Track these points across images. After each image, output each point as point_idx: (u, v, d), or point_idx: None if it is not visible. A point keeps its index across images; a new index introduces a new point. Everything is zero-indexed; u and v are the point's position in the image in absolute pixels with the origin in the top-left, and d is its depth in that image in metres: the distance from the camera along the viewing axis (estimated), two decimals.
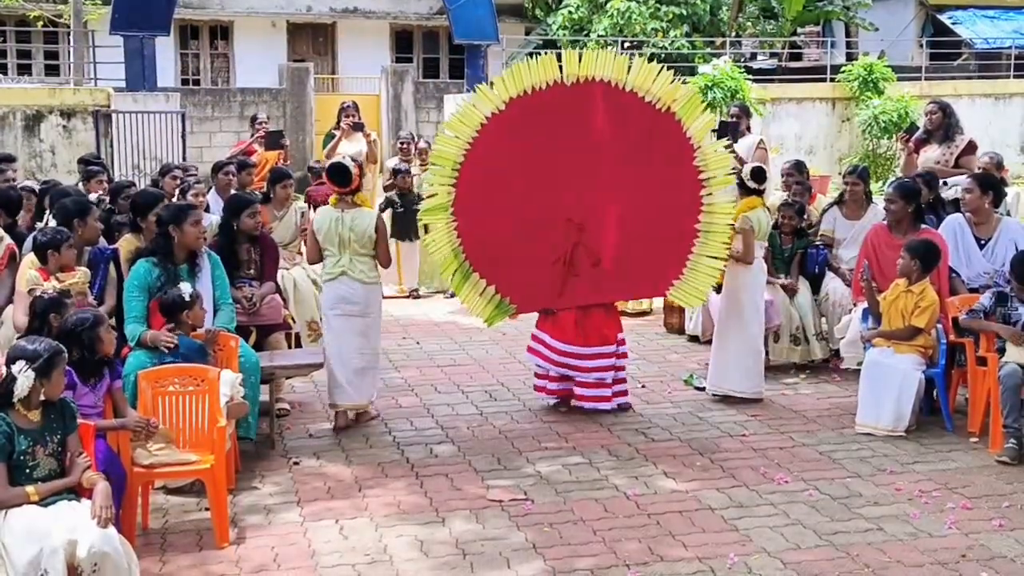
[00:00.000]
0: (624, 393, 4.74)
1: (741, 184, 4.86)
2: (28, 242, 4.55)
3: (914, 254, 4.37)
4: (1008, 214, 5.48)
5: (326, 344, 4.57)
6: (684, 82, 14.09)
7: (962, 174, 5.62)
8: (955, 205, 5.28)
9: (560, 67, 4.53)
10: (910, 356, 4.34)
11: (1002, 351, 4.15)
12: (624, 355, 4.72)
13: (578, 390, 4.66)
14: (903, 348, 4.37)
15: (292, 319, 5.02)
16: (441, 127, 13.08)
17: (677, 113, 4.56)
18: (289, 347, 4.89)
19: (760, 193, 4.91)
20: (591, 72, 4.52)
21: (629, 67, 4.53)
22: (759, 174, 4.88)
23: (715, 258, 4.58)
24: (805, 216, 5.69)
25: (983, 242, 4.78)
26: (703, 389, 5.07)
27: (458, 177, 4.60)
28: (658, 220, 4.58)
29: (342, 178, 4.42)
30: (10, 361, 2.83)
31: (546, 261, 4.58)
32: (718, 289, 4.88)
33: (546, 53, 4.69)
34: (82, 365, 3.30)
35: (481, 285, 4.66)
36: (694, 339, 6.11)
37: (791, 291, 5.39)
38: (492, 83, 4.65)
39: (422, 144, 7.91)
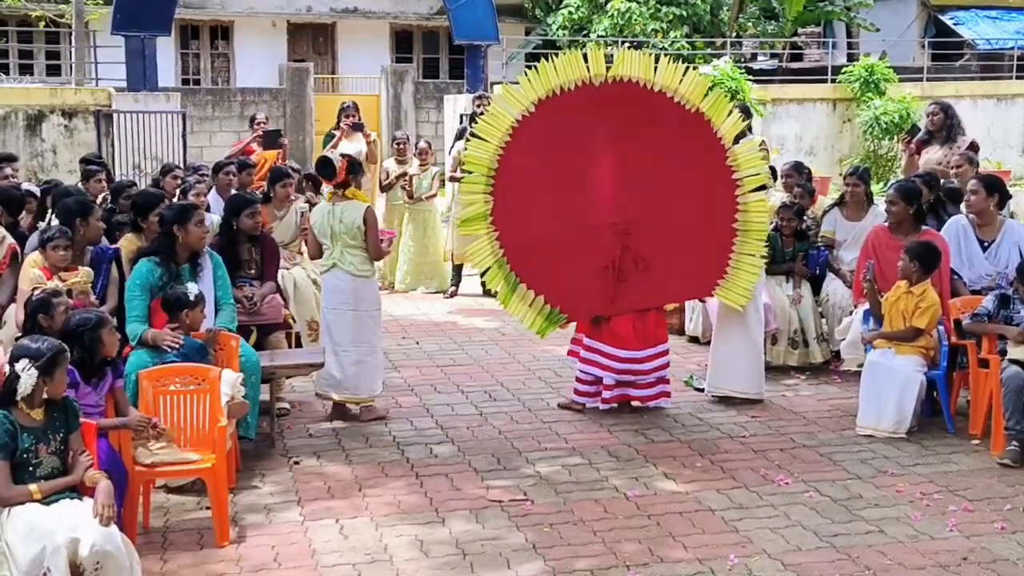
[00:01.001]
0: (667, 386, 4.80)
1: None
2: (30, 241, 4.55)
3: (914, 256, 4.37)
4: (1012, 216, 5.47)
5: (322, 337, 4.60)
6: None
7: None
8: (952, 197, 5.27)
9: (588, 67, 4.48)
10: (911, 358, 4.34)
11: (1004, 353, 4.15)
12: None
13: (637, 392, 4.65)
14: (904, 349, 4.36)
15: (292, 319, 5.03)
16: (450, 130, 13.07)
17: (706, 113, 4.54)
18: (289, 347, 4.89)
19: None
20: (619, 72, 4.48)
21: (656, 67, 4.50)
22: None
23: (755, 255, 4.62)
24: (805, 218, 5.68)
25: (986, 244, 4.76)
26: (703, 390, 5.07)
27: (494, 184, 4.49)
28: (698, 221, 4.58)
29: (327, 170, 4.47)
30: (13, 359, 2.84)
31: (592, 268, 4.52)
32: None
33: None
34: (84, 365, 3.30)
35: (529, 296, 4.56)
36: (694, 340, 6.11)
37: (797, 300, 5.40)
38: (518, 82, 4.56)
39: (422, 144, 7.90)
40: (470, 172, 4.59)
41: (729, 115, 4.58)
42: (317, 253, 4.65)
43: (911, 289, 4.38)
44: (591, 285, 4.55)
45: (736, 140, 4.71)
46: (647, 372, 4.62)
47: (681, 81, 4.51)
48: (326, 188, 4.76)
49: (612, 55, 4.60)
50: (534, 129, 4.49)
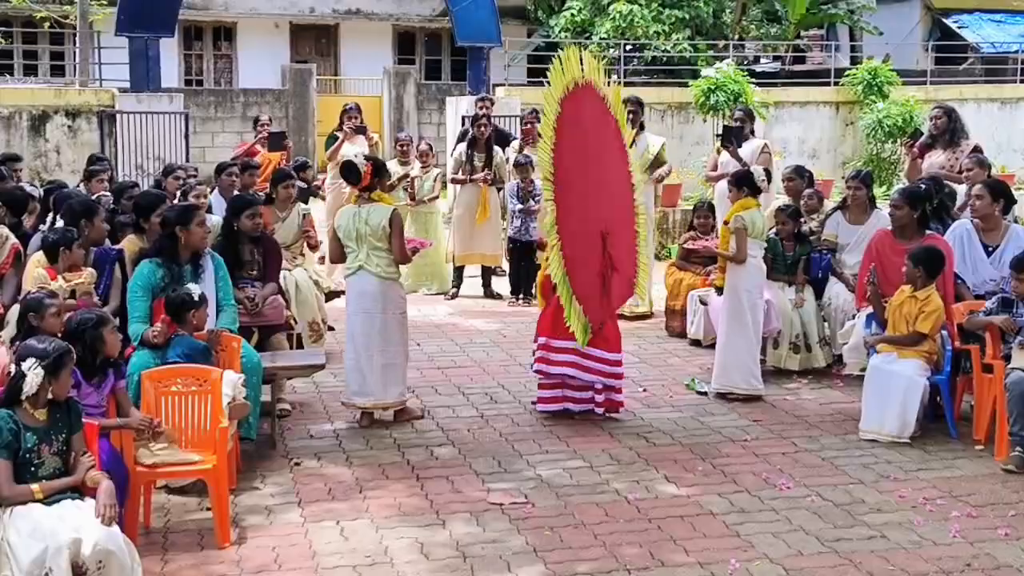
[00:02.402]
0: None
1: (740, 185, 4.92)
2: (33, 242, 4.56)
3: (918, 261, 4.36)
4: (1016, 221, 5.46)
5: (345, 345, 4.56)
6: (687, 85, 14.02)
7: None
8: (954, 199, 5.26)
9: (581, 67, 4.47)
10: (914, 362, 4.33)
11: (1008, 358, 4.13)
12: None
13: (619, 396, 4.64)
14: (907, 354, 4.35)
15: (294, 320, 5.02)
16: (452, 131, 13.04)
17: (616, 114, 4.59)
18: (291, 348, 4.88)
19: (756, 194, 4.96)
20: (578, 75, 4.46)
21: (596, 68, 4.51)
22: (747, 177, 5.01)
23: (644, 256, 4.83)
24: (804, 220, 5.67)
25: (991, 250, 4.74)
26: (705, 393, 5.06)
27: (554, 187, 4.36)
28: (625, 223, 4.70)
29: (352, 176, 4.45)
30: (20, 359, 2.85)
31: (595, 274, 4.52)
32: (719, 290, 4.88)
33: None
34: (85, 364, 3.30)
35: (578, 308, 4.44)
36: (696, 343, 6.09)
37: (799, 304, 5.40)
38: (548, 80, 4.46)
39: (423, 146, 7.89)
40: (545, 179, 4.46)
41: (622, 112, 4.65)
42: (336, 257, 4.61)
43: (915, 294, 4.37)
44: (596, 291, 4.56)
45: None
46: (622, 376, 4.64)
47: (600, 78, 4.54)
48: (349, 190, 4.76)
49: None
50: (563, 130, 4.41)
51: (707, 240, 6.17)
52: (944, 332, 4.44)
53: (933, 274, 4.37)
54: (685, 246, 6.45)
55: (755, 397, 4.89)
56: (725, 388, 4.89)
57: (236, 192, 5.77)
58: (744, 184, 4.94)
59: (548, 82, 4.48)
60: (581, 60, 4.50)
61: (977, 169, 5.37)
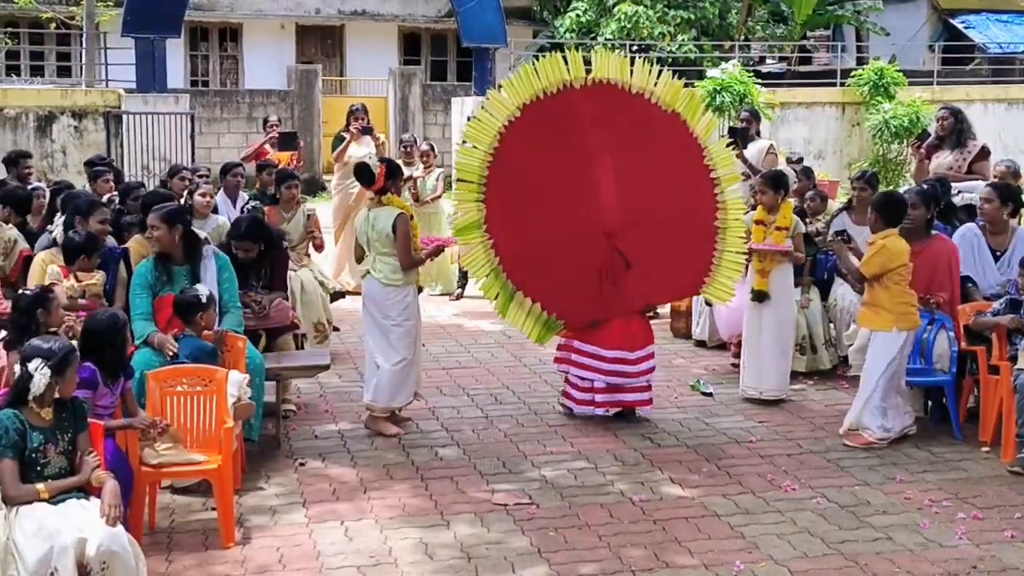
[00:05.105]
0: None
1: (778, 187, 4.96)
2: (41, 241, 4.58)
3: (874, 207, 4.34)
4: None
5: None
6: (691, 86, 14.03)
7: (975, 180, 5.57)
8: (966, 211, 5.22)
9: (568, 69, 4.48)
10: (881, 337, 4.19)
11: (1015, 359, 4.11)
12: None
13: (632, 396, 4.59)
14: (877, 323, 4.21)
15: (298, 319, 5.02)
16: (457, 132, 13.08)
17: (682, 114, 4.57)
18: (297, 347, 4.89)
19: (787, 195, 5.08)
20: (597, 75, 4.49)
21: (631, 69, 4.52)
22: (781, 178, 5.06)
23: (736, 252, 4.67)
24: (808, 220, 5.66)
25: (998, 254, 4.70)
26: (710, 395, 5.05)
27: (486, 191, 4.45)
28: (681, 220, 4.61)
29: (365, 177, 4.41)
30: (26, 359, 2.85)
31: (586, 273, 4.51)
32: (761, 295, 4.86)
33: (552, 54, 4.63)
34: (107, 365, 3.30)
35: (527, 304, 4.53)
36: (701, 344, 6.08)
37: (805, 305, 5.41)
38: (501, 87, 4.58)
39: (424, 147, 7.89)
40: (462, 180, 4.54)
41: (703, 114, 4.63)
42: (359, 255, 4.63)
43: (871, 239, 4.32)
44: (586, 290, 4.54)
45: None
46: (636, 375, 4.57)
47: (656, 83, 4.54)
48: (364, 193, 4.72)
49: (591, 58, 4.59)
50: (521, 134, 4.46)
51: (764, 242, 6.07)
52: (950, 333, 4.41)
53: (889, 221, 4.29)
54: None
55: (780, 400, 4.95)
56: (783, 394, 4.91)
57: (244, 193, 5.79)
58: (782, 186, 4.98)
59: (501, 88, 4.53)
60: (615, 60, 4.49)
61: (1011, 179, 5.36)
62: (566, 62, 4.48)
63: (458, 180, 4.58)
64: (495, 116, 4.49)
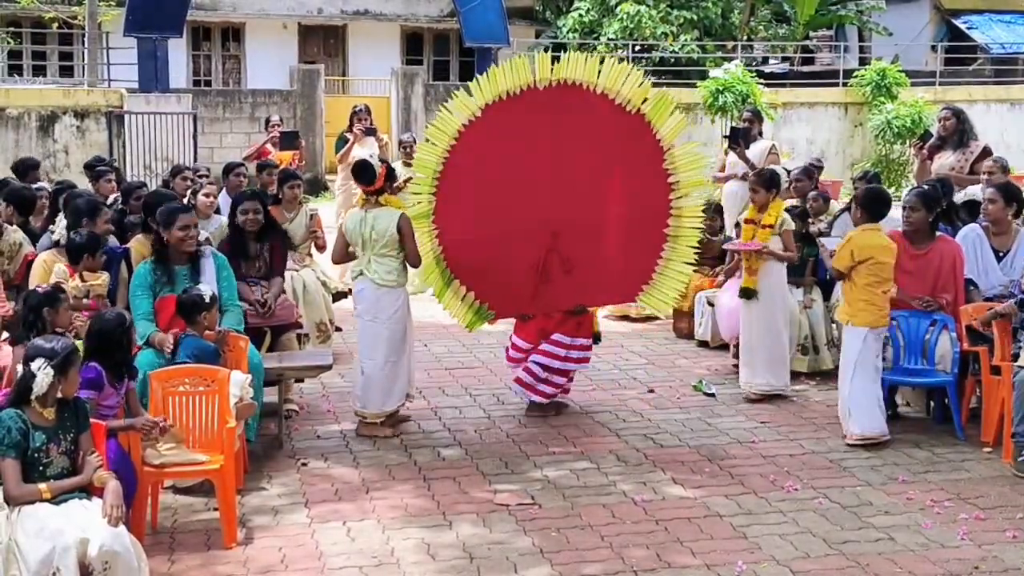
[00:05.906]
0: (566, 392, 4.83)
1: (770, 186, 4.96)
2: (43, 242, 4.59)
3: (859, 202, 4.36)
4: None
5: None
6: (694, 86, 13.96)
7: (978, 181, 5.55)
8: (967, 211, 5.21)
9: (534, 71, 4.49)
10: (856, 330, 4.18)
11: (1016, 358, 4.11)
12: (585, 360, 4.72)
13: (546, 387, 4.68)
14: (855, 319, 4.20)
15: (302, 319, 5.02)
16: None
17: (647, 115, 4.53)
18: (299, 347, 4.89)
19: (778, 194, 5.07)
20: (562, 75, 4.48)
21: (600, 69, 4.48)
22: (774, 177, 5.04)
23: (685, 263, 4.64)
24: (811, 221, 5.65)
25: (1001, 254, 4.69)
26: (713, 395, 5.05)
27: (438, 185, 4.60)
28: (629, 225, 4.60)
29: (365, 176, 4.39)
30: (29, 359, 2.85)
31: (522, 266, 4.57)
32: (749, 293, 4.87)
33: (556, 57, 4.64)
34: (114, 366, 3.30)
35: (462, 291, 4.69)
36: (703, 344, 6.08)
37: (808, 305, 5.41)
38: (468, 88, 4.59)
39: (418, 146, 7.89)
40: (419, 173, 4.70)
41: (671, 116, 4.55)
42: (339, 258, 4.62)
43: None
44: (519, 283, 4.59)
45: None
46: (565, 360, 4.62)
47: (624, 83, 4.49)
48: (357, 192, 4.71)
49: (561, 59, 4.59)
50: (479, 133, 4.52)
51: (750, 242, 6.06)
52: (953, 334, 4.41)
53: (871, 215, 4.29)
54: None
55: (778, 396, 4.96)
56: (775, 389, 4.92)
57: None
58: (774, 186, 4.98)
59: (468, 90, 4.55)
60: (583, 60, 4.48)
61: (999, 173, 5.34)
62: (532, 63, 4.49)
63: (416, 173, 4.75)
64: (456, 115, 4.56)
